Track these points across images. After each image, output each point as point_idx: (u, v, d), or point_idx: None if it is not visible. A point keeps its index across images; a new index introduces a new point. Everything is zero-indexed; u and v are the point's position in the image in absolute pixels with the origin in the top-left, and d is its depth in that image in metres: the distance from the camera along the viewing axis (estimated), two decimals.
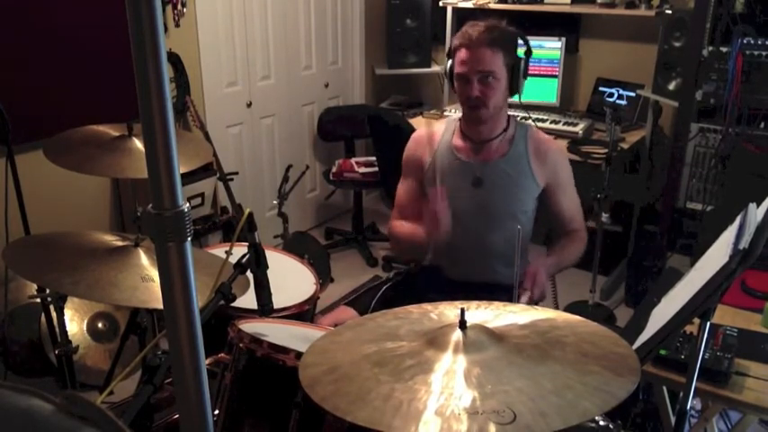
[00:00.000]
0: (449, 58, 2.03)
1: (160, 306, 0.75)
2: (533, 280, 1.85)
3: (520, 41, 2.00)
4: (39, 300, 2.04)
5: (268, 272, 1.42)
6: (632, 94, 3.71)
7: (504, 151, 2.03)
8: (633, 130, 3.61)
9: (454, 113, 3.72)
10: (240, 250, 1.41)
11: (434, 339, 1.07)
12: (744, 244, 1.14)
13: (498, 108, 1.98)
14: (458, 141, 2.07)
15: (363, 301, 2.11)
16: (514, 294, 1.59)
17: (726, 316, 1.82)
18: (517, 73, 1.97)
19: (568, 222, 2.09)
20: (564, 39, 3.75)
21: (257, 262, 1.40)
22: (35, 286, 2.09)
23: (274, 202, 3.51)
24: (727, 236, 1.32)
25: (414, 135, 2.18)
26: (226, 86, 3.61)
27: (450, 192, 2.04)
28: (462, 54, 1.95)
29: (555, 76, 3.78)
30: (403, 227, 2.12)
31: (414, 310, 1.26)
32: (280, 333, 1.51)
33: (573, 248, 2.06)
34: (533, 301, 1.91)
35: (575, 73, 4.00)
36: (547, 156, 2.04)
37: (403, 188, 2.17)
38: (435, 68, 4.36)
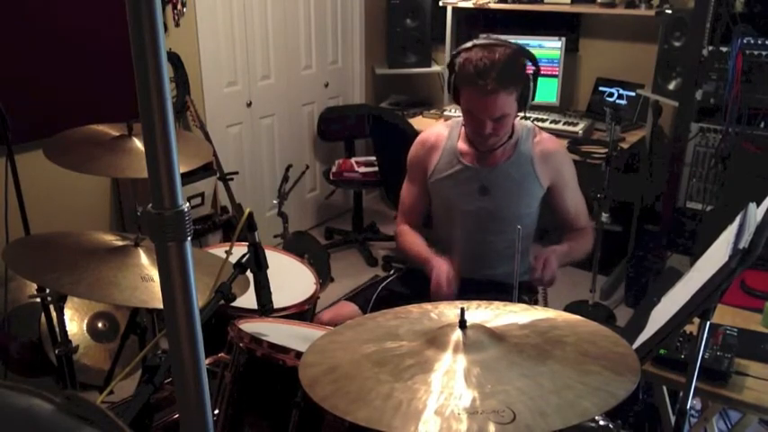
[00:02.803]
0: (450, 71, 1.96)
1: (160, 306, 0.75)
2: (544, 263, 1.85)
3: (528, 63, 1.93)
4: (39, 300, 2.03)
5: (268, 272, 1.42)
6: (632, 93, 3.71)
7: (509, 155, 2.02)
8: (633, 130, 3.61)
9: (455, 113, 3.72)
10: (240, 250, 1.41)
11: (434, 339, 1.07)
12: (744, 244, 1.14)
13: (508, 131, 1.97)
14: (463, 146, 2.06)
15: (364, 297, 2.11)
16: (514, 294, 1.59)
17: (726, 316, 1.82)
18: (527, 95, 1.92)
19: (573, 221, 2.09)
20: (564, 38, 3.75)
21: (257, 262, 1.40)
22: (35, 286, 2.08)
23: (274, 201, 3.51)
24: (727, 236, 1.32)
25: (418, 138, 2.17)
26: (226, 86, 3.61)
27: (454, 196, 2.04)
28: (473, 97, 1.87)
29: (555, 76, 3.78)
30: (409, 239, 2.12)
31: (414, 309, 1.26)
32: (280, 333, 1.51)
33: (581, 243, 2.06)
34: (542, 284, 1.91)
35: (575, 73, 4.00)
36: (550, 157, 2.03)
37: (408, 191, 2.18)
38: (435, 68, 4.36)
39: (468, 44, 1.91)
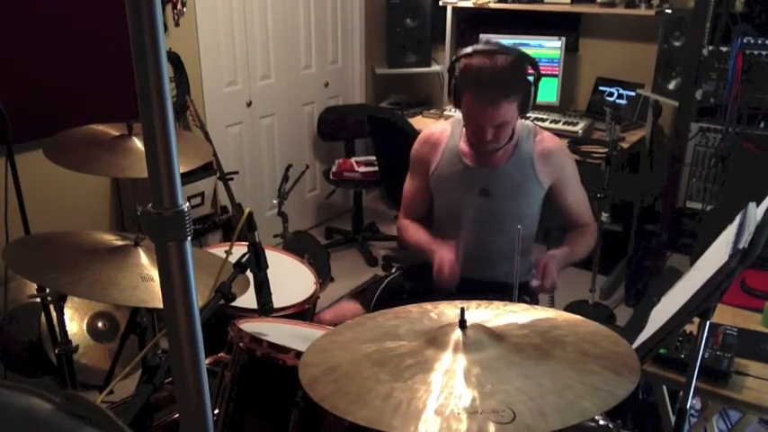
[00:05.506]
0: (450, 76, 1.94)
1: (160, 305, 0.75)
2: (544, 271, 1.84)
3: (530, 68, 1.91)
4: (39, 299, 2.04)
5: (268, 271, 1.42)
6: (632, 93, 3.71)
7: (510, 155, 2.02)
8: (633, 130, 3.61)
9: (455, 113, 3.71)
10: (240, 250, 1.41)
11: (434, 339, 1.07)
12: (743, 243, 1.14)
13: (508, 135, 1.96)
14: (464, 146, 2.05)
15: (367, 295, 2.11)
16: (514, 294, 1.59)
17: (726, 315, 1.82)
18: (528, 101, 1.89)
19: (576, 218, 2.10)
20: (564, 38, 3.75)
21: (257, 261, 1.40)
22: (35, 286, 2.08)
23: (274, 201, 3.51)
24: (727, 235, 1.32)
25: (422, 134, 2.17)
26: (226, 86, 3.61)
27: (455, 196, 2.04)
28: (474, 104, 1.85)
29: (555, 76, 3.78)
30: (411, 231, 2.13)
31: (414, 309, 1.26)
32: (280, 332, 1.51)
33: (582, 241, 2.06)
34: (543, 292, 1.91)
35: (575, 72, 4.00)
36: (551, 156, 2.03)
37: (410, 186, 2.18)
38: (435, 68, 4.36)
39: (469, 49, 1.89)
